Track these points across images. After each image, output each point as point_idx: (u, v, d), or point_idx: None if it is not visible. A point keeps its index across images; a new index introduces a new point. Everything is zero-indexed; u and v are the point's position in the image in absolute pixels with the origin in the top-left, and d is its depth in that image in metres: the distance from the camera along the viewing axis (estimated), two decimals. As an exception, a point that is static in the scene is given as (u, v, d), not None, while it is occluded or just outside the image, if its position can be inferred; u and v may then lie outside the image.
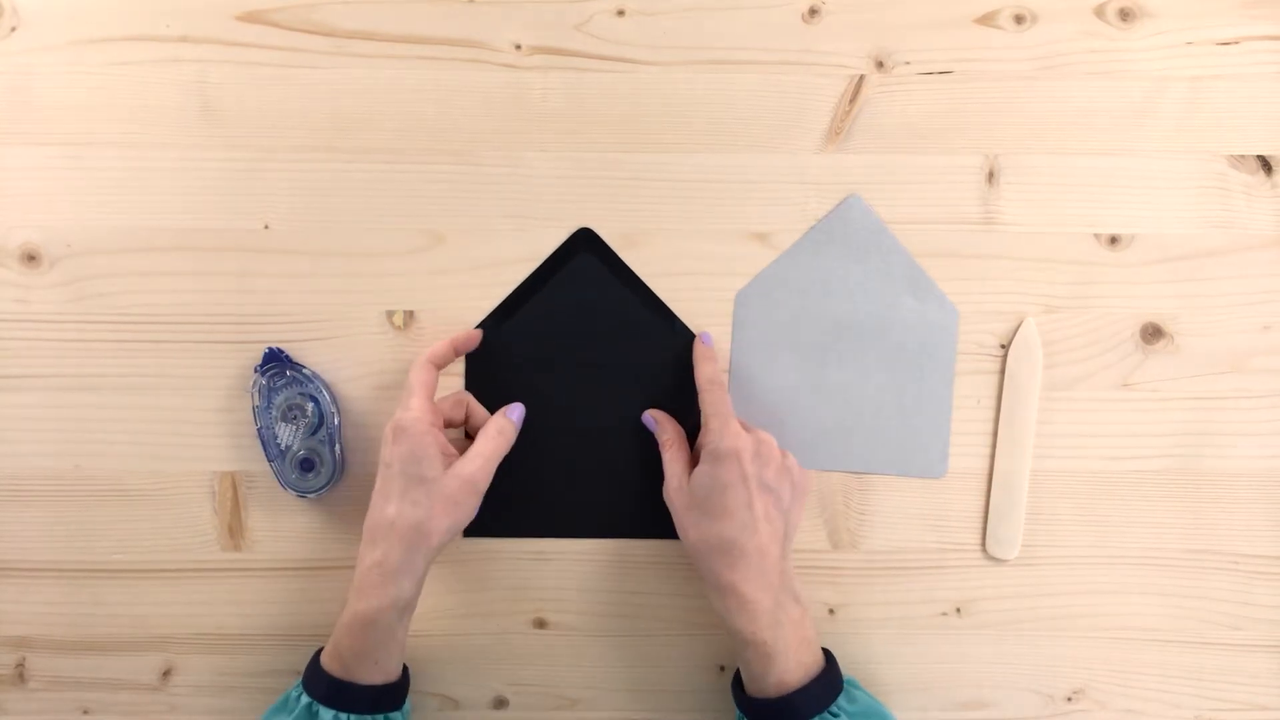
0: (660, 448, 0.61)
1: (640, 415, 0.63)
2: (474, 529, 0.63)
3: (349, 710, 0.55)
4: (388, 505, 0.56)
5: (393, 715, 0.57)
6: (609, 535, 0.64)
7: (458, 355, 0.62)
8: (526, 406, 0.62)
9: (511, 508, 0.63)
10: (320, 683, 0.56)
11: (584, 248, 0.63)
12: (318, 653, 0.58)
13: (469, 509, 0.57)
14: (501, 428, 0.59)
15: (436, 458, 0.56)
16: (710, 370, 0.60)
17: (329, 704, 0.55)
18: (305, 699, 0.56)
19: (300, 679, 0.57)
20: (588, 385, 0.63)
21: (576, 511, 0.64)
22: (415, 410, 0.56)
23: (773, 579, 0.56)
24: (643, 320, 0.63)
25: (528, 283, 0.63)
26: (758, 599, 0.55)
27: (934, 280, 0.63)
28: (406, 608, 0.56)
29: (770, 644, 0.55)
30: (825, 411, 0.63)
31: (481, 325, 0.63)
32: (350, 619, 0.55)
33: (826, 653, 0.58)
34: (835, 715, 0.55)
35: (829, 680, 0.56)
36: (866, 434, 0.63)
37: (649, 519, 0.63)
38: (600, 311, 0.63)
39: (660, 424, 0.62)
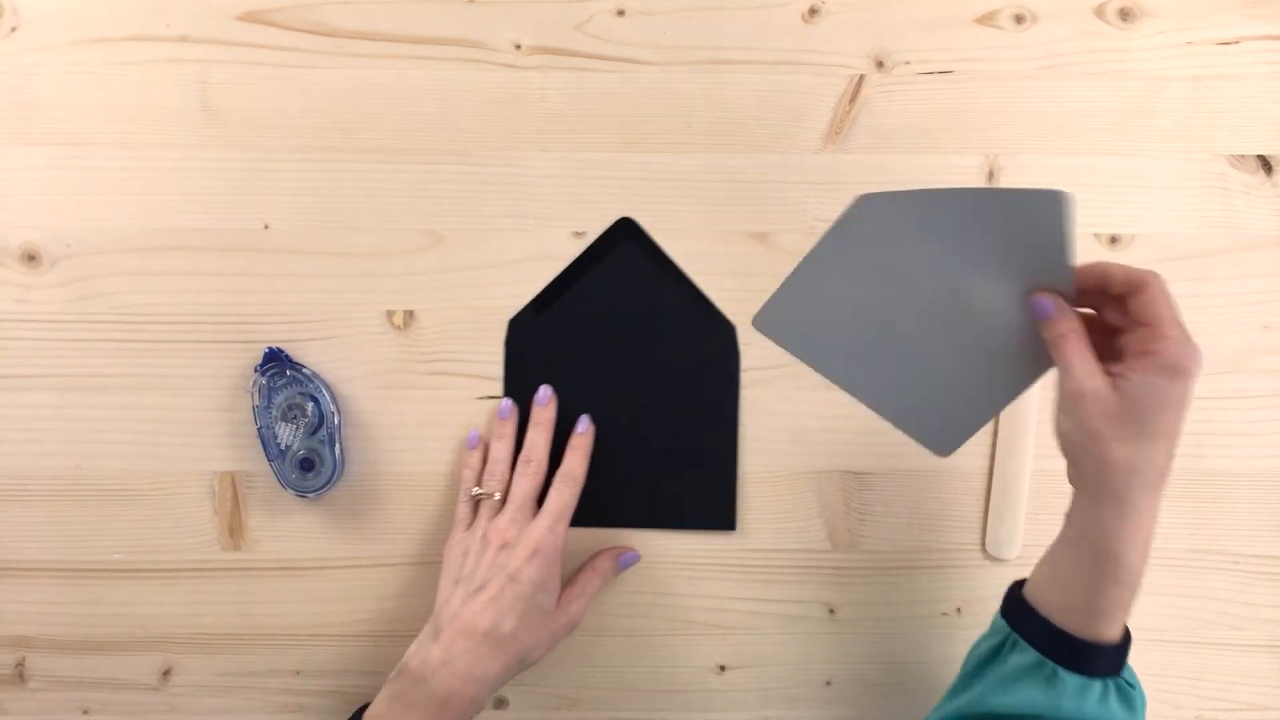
0: (1055, 338, 0.50)
1: (673, 406, 0.63)
2: None
3: None
4: (505, 619, 0.56)
5: None
6: (648, 526, 0.64)
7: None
8: (566, 395, 0.62)
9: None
10: None
11: (625, 237, 0.63)
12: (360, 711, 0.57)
13: (562, 642, 0.60)
14: (604, 570, 0.62)
15: (556, 590, 0.59)
16: (1132, 267, 0.50)
17: None
18: None
19: None
20: (627, 375, 0.63)
21: (618, 500, 0.64)
22: (558, 538, 0.58)
23: (1157, 515, 0.50)
24: (683, 311, 0.63)
25: (568, 272, 0.63)
26: (1150, 536, 0.49)
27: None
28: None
29: (1139, 585, 0.50)
30: (876, 347, 0.56)
31: (519, 316, 0.63)
32: (441, 702, 0.55)
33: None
34: (1132, 686, 0.51)
35: (1127, 648, 0.52)
36: (903, 386, 0.57)
37: (686, 509, 0.64)
38: (641, 302, 0.63)
39: (1060, 310, 0.50)
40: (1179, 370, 0.47)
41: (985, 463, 0.64)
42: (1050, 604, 0.51)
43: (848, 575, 0.65)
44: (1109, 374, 0.48)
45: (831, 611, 0.65)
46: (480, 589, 0.56)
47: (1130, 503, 0.48)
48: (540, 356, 0.63)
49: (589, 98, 0.63)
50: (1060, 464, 0.64)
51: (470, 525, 0.61)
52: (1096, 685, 0.50)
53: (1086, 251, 0.64)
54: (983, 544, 0.65)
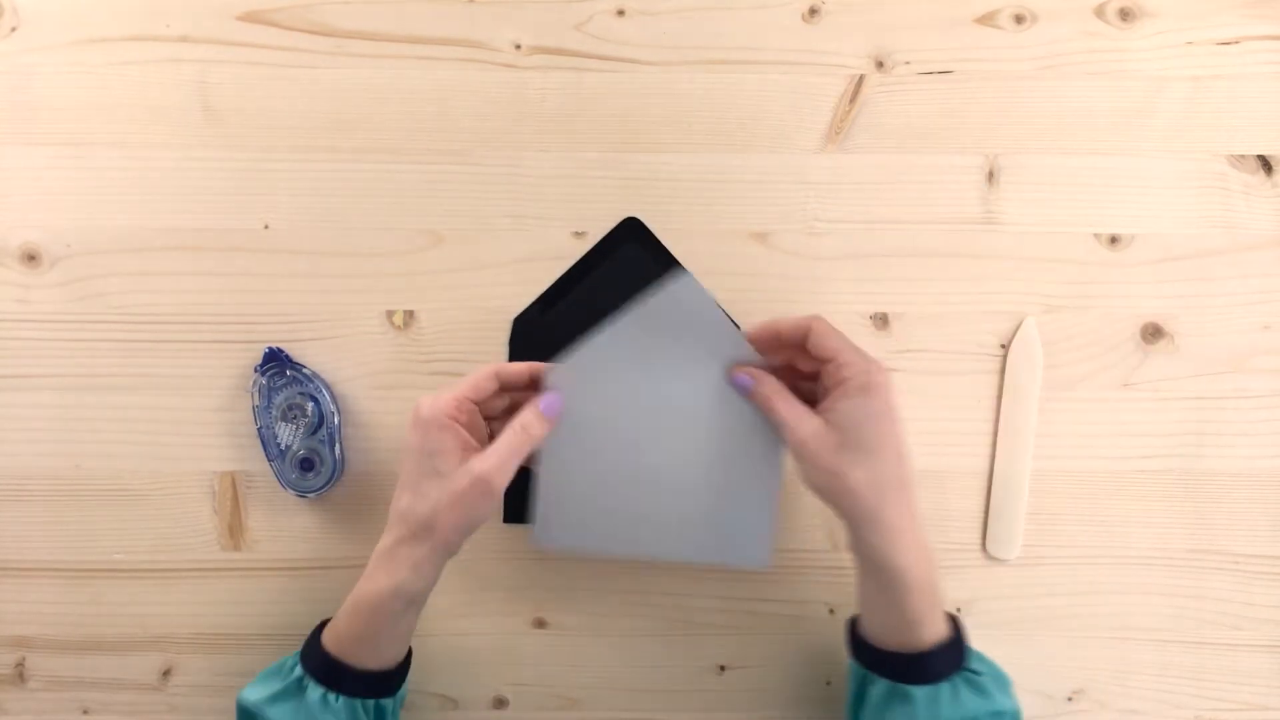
0: (763, 403, 0.55)
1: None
2: (513, 518, 0.63)
3: (339, 691, 0.54)
4: (403, 494, 0.54)
5: (384, 702, 0.56)
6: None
7: (530, 387, 0.57)
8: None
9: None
10: (315, 658, 0.55)
11: (630, 236, 0.63)
12: (321, 625, 0.57)
13: (481, 509, 0.53)
14: (526, 423, 0.54)
15: (452, 452, 0.53)
16: (796, 317, 0.55)
17: (321, 682, 0.54)
18: (299, 671, 0.55)
19: (300, 648, 0.57)
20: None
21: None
22: (442, 402, 0.54)
23: (921, 517, 0.53)
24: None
25: (572, 271, 0.63)
26: (920, 538, 0.53)
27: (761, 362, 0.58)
28: (411, 600, 0.54)
29: (934, 589, 0.53)
30: (646, 499, 0.58)
31: (524, 313, 0.62)
32: (353, 601, 0.55)
33: (949, 615, 0.56)
34: (977, 674, 0.54)
35: (962, 638, 0.55)
36: (687, 521, 0.58)
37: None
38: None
39: (758, 379, 0.55)
40: (869, 388, 0.52)
41: (985, 463, 0.64)
42: (876, 632, 0.55)
43: (848, 575, 0.65)
44: (819, 414, 0.53)
45: (831, 611, 0.65)
46: (401, 465, 0.55)
47: (884, 518, 0.52)
48: (543, 355, 0.63)
49: (589, 98, 0.63)
50: (1060, 464, 0.65)
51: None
52: (944, 687, 0.53)
53: (1087, 251, 0.64)
54: (983, 544, 0.65)
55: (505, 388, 0.56)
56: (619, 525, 0.58)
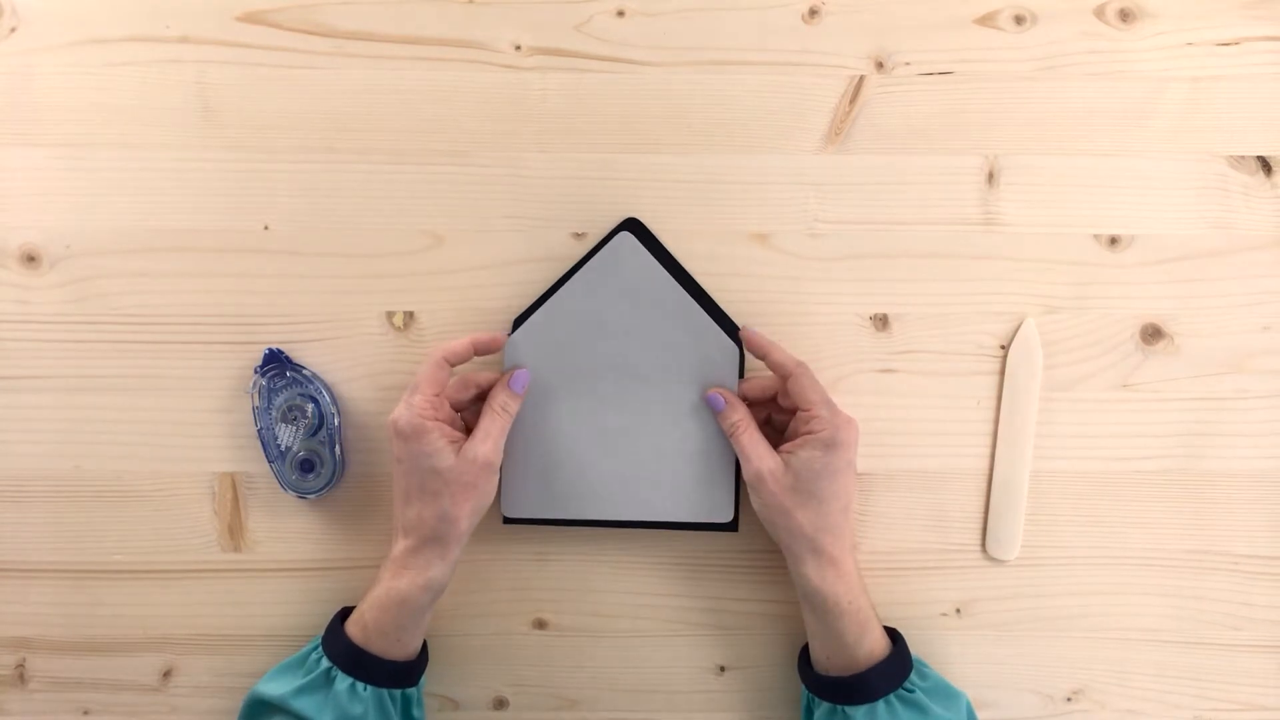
0: (730, 430, 0.60)
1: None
2: (515, 515, 0.63)
3: (367, 681, 0.56)
4: (408, 506, 0.57)
5: (409, 691, 0.58)
6: (651, 525, 0.63)
7: (477, 355, 0.59)
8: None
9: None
10: (340, 647, 0.57)
11: (629, 237, 0.62)
12: (339, 616, 0.59)
13: (488, 490, 0.58)
14: (505, 403, 0.59)
15: (444, 449, 0.56)
16: (788, 354, 0.59)
17: (348, 671, 0.56)
18: (325, 663, 0.57)
19: (318, 639, 0.58)
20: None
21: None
22: (417, 407, 0.56)
23: (852, 554, 0.59)
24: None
25: (572, 272, 0.62)
26: (851, 568, 0.58)
27: (710, 320, 0.61)
28: (438, 590, 0.57)
29: (864, 610, 0.58)
30: (607, 461, 0.62)
31: (524, 314, 0.62)
32: (383, 595, 0.57)
33: (891, 630, 0.60)
34: (910, 691, 0.57)
35: (903, 655, 0.59)
36: (649, 482, 0.62)
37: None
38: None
39: (729, 404, 0.60)
40: (832, 444, 0.57)
41: (985, 463, 0.64)
42: (820, 659, 0.59)
43: (848, 575, 0.65)
44: (782, 453, 0.58)
45: (831, 612, 0.65)
46: (395, 480, 0.58)
47: (825, 554, 0.57)
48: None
49: (589, 98, 0.63)
50: (1060, 464, 0.65)
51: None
52: (879, 706, 0.57)
53: (1087, 251, 0.64)
54: (983, 544, 0.65)
55: (454, 364, 0.58)
56: (584, 490, 0.62)
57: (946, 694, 0.58)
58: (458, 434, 0.58)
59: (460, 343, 0.58)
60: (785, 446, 0.58)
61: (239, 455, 0.63)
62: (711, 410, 0.61)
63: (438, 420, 0.57)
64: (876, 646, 0.58)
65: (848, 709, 0.57)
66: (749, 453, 0.58)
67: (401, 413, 0.56)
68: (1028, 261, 0.64)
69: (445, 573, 0.57)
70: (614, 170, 0.63)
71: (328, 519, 0.64)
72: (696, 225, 0.63)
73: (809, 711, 0.61)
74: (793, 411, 0.59)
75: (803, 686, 0.61)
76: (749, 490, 0.59)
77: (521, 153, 0.63)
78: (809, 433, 0.57)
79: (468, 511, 0.57)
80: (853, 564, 0.58)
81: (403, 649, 0.58)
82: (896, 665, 0.58)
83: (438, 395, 0.58)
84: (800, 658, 0.62)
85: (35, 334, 0.63)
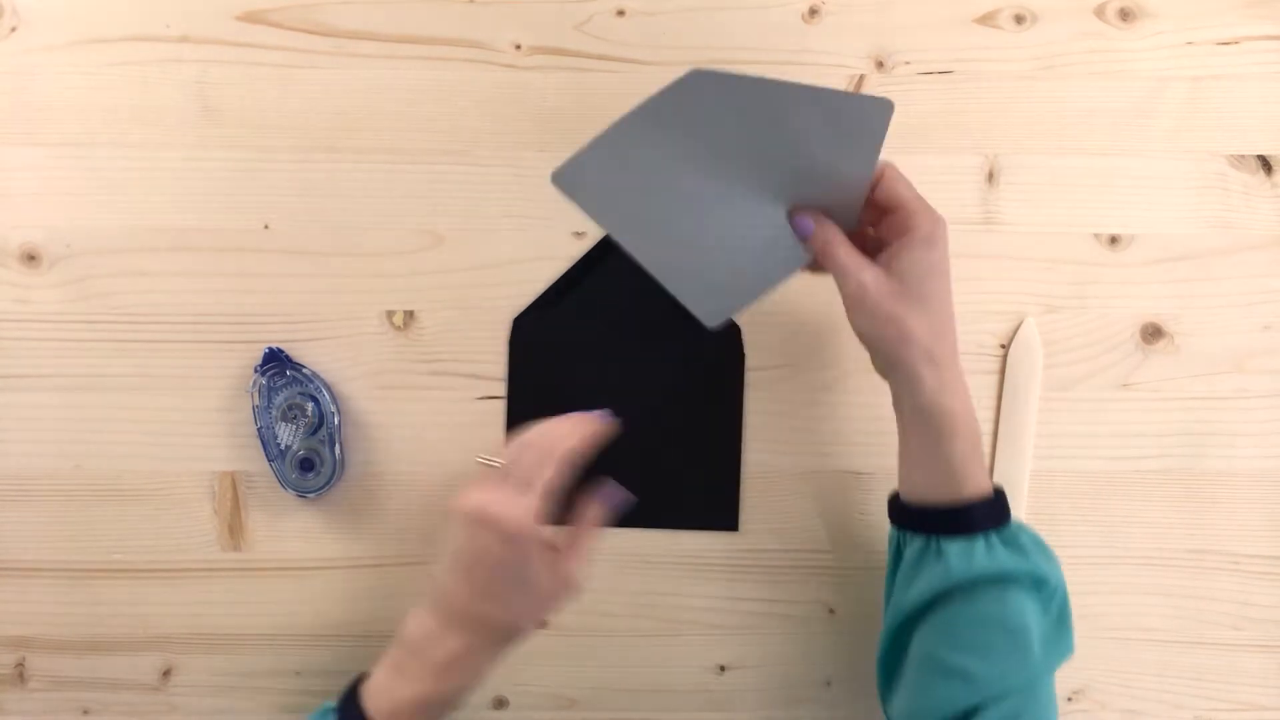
0: (821, 249, 0.54)
1: (678, 406, 0.61)
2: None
3: None
4: (483, 601, 0.52)
5: None
6: (652, 526, 0.64)
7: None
8: (570, 393, 0.60)
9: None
10: None
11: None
12: (357, 704, 0.54)
13: (563, 606, 0.55)
14: (596, 521, 0.56)
15: (542, 563, 0.52)
16: (881, 163, 0.54)
17: None
18: None
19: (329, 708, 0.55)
20: (632, 374, 0.63)
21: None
22: (528, 513, 0.51)
23: (964, 374, 0.54)
24: (688, 311, 0.59)
25: (573, 269, 0.63)
26: (967, 391, 0.53)
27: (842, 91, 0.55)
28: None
29: (977, 435, 0.53)
30: (701, 258, 0.57)
31: (524, 311, 0.62)
32: (431, 696, 0.53)
33: (996, 486, 0.55)
34: (1016, 533, 0.53)
35: (1005, 502, 0.54)
36: (710, 264, 0.57)
37: (689, 509, 0.64)
38: (646, 300, 0.61)
39: (818, 223, 0.55)
40: (933, 240, 0.53)
41: (985, 463, 0.64)
42: (916, 490, 0.55)
43: (848, 575, 0.65)
44: (878, 264, 0.53)
45: (831, 611, 0.65)
46: (467, 570, 0.53)
47: (940, 361, 0.52)
48: (544, 354, 0.63)
49: (589, 98, 0.63)
50: (1060, 464, 0.65)
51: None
52: (978, 541, 0.52)
53: (1087, 251, 0.64)
54: (983, 544, 0.65)
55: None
56: (630, 216, 0.55)
57: (1046, 550, 0.54)
58: (553, 541, 0.54)
59: (581, 440, 0.54)
60: (882, 256, 0.54)
61: (239, 454, 0.63)
62: (800, 236, 0.55)
63: (541, 528, 0.52)
64: (983, 482, 0.53)
65: (943, 541, 0.52)
66: (847, 265, 0.53)
67: (510, 512, 0.51)
68: (1028, 261, 0.64)
69: (492, 671, 0.54)
70: (614, 170, 0.63)
71: (328, 518, 0.64)
72: (696, 225, 0.63)
73: (898, 556, 0.56)
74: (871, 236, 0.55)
75: (891, 530, 0.57)
76: (848, 311, 0.54)
77: (521, 152, 0.63)
78: (907, 231, 0.53)
79: (538, 623, 0.54)
80: (964, 381, 0.53)
81: None
82: (1000, 507, 0.53)
83: (547, 500, 0.53)
84: (890, 502, 0.57)
85: (35, 334, 0.63)
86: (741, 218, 0.55)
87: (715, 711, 0.65)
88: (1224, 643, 0.65)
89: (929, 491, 0.54)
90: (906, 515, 0.55)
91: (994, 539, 0.52)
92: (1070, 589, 0.64)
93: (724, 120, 0.51)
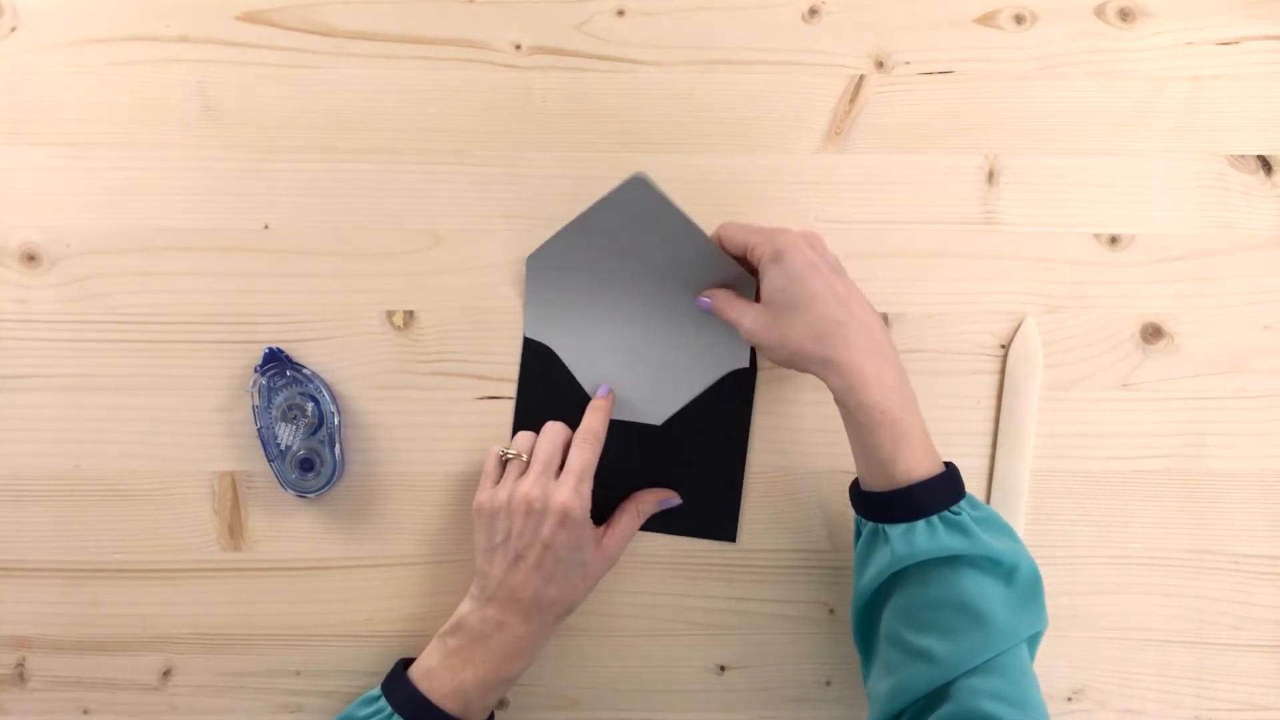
0: (720, 310, 0.59)
1: (688, 410, 0.63)
2: None
3: None
4: (549, 585, 0.58)
5: None
6: (652, 529, 0.64)
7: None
8: (582, 394, 0.63)
9: None
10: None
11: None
12: (409, 682, 0.58)
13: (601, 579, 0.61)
14: (646, 513, 0.63)
15: (594, 541, 0.59)
16: (717, 229, 0.59)
17: None
18: None
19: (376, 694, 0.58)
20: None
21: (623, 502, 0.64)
22: (584, 496, 0.58)
23: (891, 357, 0.55)
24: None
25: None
26: (883, 374, 0.54)
27: (722, 252, 0.59)
28: None
29: (903, 423, 0.54)
30: (641, 368, 0.63)
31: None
32: (495, 678, 0.58)
33: (948, 463, 0.56)
34: (957, 514, 0.53)
35: (953, 482, 0.55)
36: (675, 373, 0.64)
37: (691, 517, 0.64)
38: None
39: (713, 295, 0.60)
40: (778, 255, 0.55)
41: (985, 462, 0.64)
42: (863, 478, 0.57)
43: (848, 575, 0.65)
44: (761, 302, 0.57)
45: (831, 611, 0.65)
46: (520, 557, 0.57)
47: (837, 363, 0.54)
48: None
49: (589, 98, 0.63)
50: (1060, 464, 0.65)
51: (496, 482, 0.60)
52: (919, 525, 0.53)
53: (1087, 251, 0.64)
54: (983, 544, 0.65)
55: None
56: (633, 395, 0.63)
57: (998, 526, 0.55)
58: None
59: (597, 419, 0.61)
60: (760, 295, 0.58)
61: (239, 454, 0.63)
62: (706, 311, 0.60)
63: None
64: (918, 466, 0.53)
65: (886, 527, 0.54)
66: (734, 318, 0.58)
67: (572, 502, 0.57)
68: (1028, 261, 0.64)
69: (545, 644, 0.60)
70: (614, 170, 0.63)
71: (327, 518, 0.64)
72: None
73: (857, 539, 0.58)
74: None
75: (856, 519, 0.58)
76: (761, 353, 0.60)
77: (521, 152, 0.63)
78: (757, 262, 0.57)
79: (580, 603, 0.60)
80: (885, 373, 0.54)
81: (484, 710, 0.59)
82: (943, 487, 0.54)
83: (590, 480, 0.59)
84: (850, 489, 0.59)
85: (35, 334, 0.63)
86: (684, 316, 0.62)
87: (715, 711, 0.65)
88: (1224, 643, 0.65)
89: (869, 479, 0.56)
90: (858, 501, 0.57)
91: (935, 522, 0.53)
92: (1070, 589, 0.64)
93: (650, 227, 0.58)
